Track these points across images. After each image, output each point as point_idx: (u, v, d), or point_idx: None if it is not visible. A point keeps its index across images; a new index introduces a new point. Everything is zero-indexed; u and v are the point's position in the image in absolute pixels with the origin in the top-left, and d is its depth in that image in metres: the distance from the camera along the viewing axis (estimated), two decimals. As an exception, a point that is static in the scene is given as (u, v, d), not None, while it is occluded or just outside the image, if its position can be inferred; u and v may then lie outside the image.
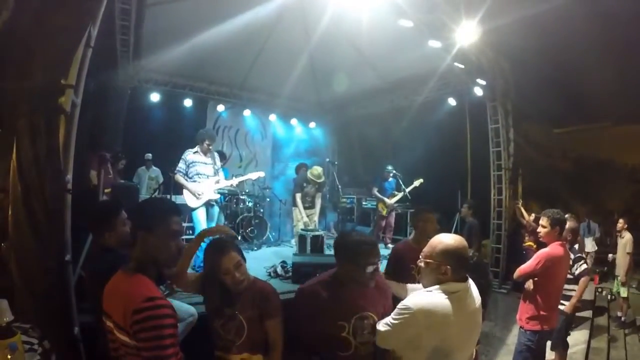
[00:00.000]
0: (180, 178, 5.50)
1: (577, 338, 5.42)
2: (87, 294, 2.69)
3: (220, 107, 10.33)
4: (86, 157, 5.33)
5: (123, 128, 8.29)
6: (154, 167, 8.43)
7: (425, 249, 2.08)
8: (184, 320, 3.46)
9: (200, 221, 5.56)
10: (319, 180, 7.09)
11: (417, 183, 8.37)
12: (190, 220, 5.84)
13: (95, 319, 2.34)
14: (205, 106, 10.11)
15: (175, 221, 1.72)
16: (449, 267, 1.98)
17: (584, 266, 4.33)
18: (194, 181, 5.51)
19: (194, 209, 5.52)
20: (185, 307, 3.58)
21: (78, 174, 4.31)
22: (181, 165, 5.55)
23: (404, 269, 3.75)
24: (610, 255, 7.32)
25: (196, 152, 5.63)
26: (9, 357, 1.66)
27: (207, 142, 5.68)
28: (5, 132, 2.55)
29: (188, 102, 9.53)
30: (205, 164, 5.65)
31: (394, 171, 8.53)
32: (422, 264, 2.08)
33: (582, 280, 4.25)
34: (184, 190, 5.53)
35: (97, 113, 5.17)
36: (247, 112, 10.79)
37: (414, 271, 3.71)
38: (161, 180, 8.24)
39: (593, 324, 6.01)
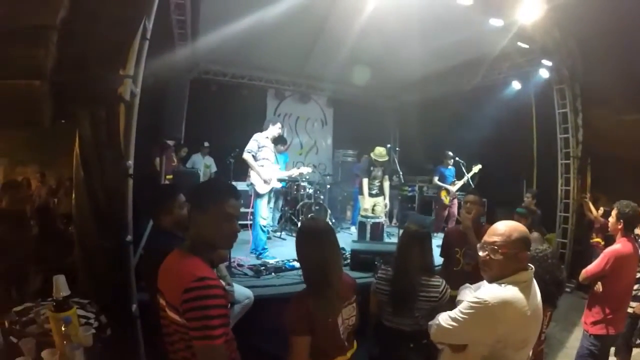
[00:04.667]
0: (250, 158, 5.52)
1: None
2: (142, 272, 2.83)
3: (280, 95, 10.46)
4: (150, 145, 5.60)
5: (184, 118, 8.67)
6: (209, 156, 8.72)
7: (497, 239, 1.90)
8: (240, 303, 3.58)
9: (263, 207, 5.66)
10: (382, 160, 6.95)
11: (475, 169, 8.04)
12: (248, 206, 5.95)
13: (149, 296, 2.45)
14: (264, 95, 10.30)
15: (232, 204, 1.68)
16: (525, 253, 1.89)
17: None
18: (261, 165, 5.56)
19: (261, 196, 5.61)
20: (243, 290, 3.69)
21: (142, 161, 4.58)
22: (252, 146, 5.55)
23: (450, 252, 3.76)
24: None
25: (267, 137, 5.69)
26: (63, 328, 1.79)
27: (279, 127, 5.77)
28: (69, 123, 2.74)
29: (246, 92, 9.72)
30: (271, 150, 5.73)
31: (455, 157, 8.22)
32: (494, 255, 1.90)
33: None
34: (252, 173, 5.57)
35: (160, 103, 5.40)
36: (306, 100, 10.88)
37: (458, 254, 3.67)
38: (214, 169, 8.60)
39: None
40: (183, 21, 5.93)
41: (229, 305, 3.46)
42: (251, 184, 5.67)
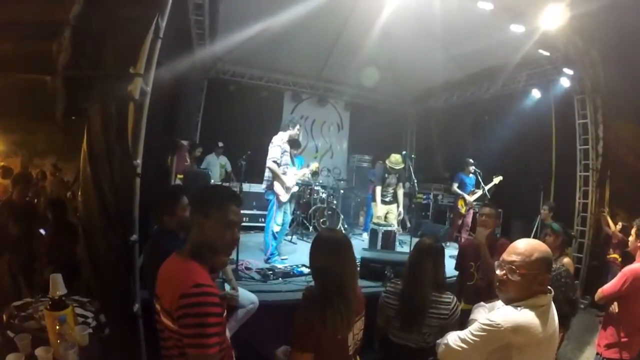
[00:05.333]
0: (276, 168, 5.36)
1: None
2: (144, 273, 2.82)
3: (297, 98, 10.47)
4: (164, 144, 5.62)
5: (200, 117, 8.72)
6: (223, 156, 8.70)
7: (515, 258, 1.80)
8: (244, 308, 3.55)
9: (280, 214, 5.58)
10: (398, 167, 6.89)
11: (496, 180, 7.87)
12: (264, 209, 5.83)
13: (150, 296, 2.42)
14: (282, 97, 10.33)
15: (233, 210, 1.66)
16: (547, 276, 1.80)
17: None
18: (283, 172, 5.45)
19: (284, 203, 5.54)
20: (247, 294, 3.66)
21: (155, 159, 4.59)
22: (276, 153, 5.40)
23: (465, 266, 3.69)
24: None
25: (285, 140, 5.56)
26: (57, 327, 1.77)
27: (298, 128, 5.66)
28: (79, 119, 2.74)
29: (264, 93, 9.76)
30: (289, 153, 5.65)
31: (475, 167, 8.09)
32: (512, 276, 1.80)
33: None
34: (275, 183, 5.44)
35: (175, 103, 5.42)
36: (323, 103, 10.86)
37: (472, 269, 3.58)
38: (229, 168, 8.56)
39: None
40: (201, 21, 5.96)
41: (234, 309, 3.46)
42: (274, 192, 5.51)
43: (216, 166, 8.50)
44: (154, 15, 2.89)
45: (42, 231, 4.10)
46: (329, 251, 2.11)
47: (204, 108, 9.11)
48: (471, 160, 8.11)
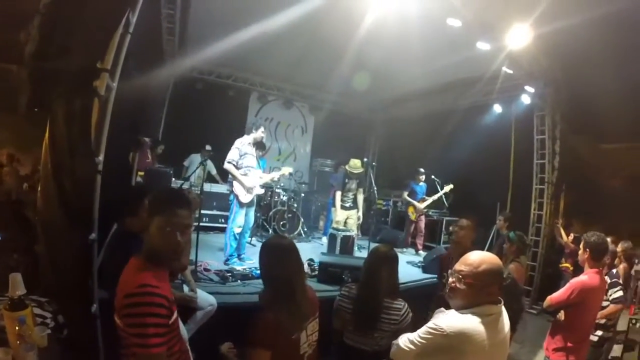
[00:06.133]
0: (232, 169, 5.40)
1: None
2: (104, 273, 2.75)
3: (263, 99, 10.44)
4: (126, 141, 5.48)
5: (165, 114, 8.52)
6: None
7: (464, 268, 1.90)
8: (203, 309, 3.53)
9: (241, 215, 5.56)
10: (357, 172, 6.99)
11: (447, 189, 8.19)
12: (224, 209, 5.75)
13: (109, 297, 2.37)
14: (248, 97, 10.27)
15: (180, 214, 1.68)
16: (495, 288, 1.89)
17: (620, 293, 4.06)
18: (244, 174, 5.45)
19: (243, 205, 5.51)
20: (205, 296, 3.66)
21: (116, 156, 4.46)
22: (234, 155, 5.43)
23: (440, 277, 3.82)
24: None
25: (249, 142, 5.58)
26: (17, 329, 1.71)
27: (262, 130, 5.66)
28: (42, 111, 2.64)
29: (231, 92, 9.67)
30: (253, 155, 5.64)
31: (432, 175, 8.34)
32: (460, 285, 1.90)
33: (612, 306, 4.01)
34: (235, 183, 5.46)
35: (140, 99, 5.29)
36: (289, 106, 10.89)
37: (444, 279, 3.71)
38: (213, 171, 8.41)
39: (624, 355, 5.58)
40: (172, 15, 5.84)
41: (192, 311, 3.43)
42: (233, 193, 5.54)
43: (196, 164, 8.29)
44: (125, 10, 2.83)
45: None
46: (277, 257, 2.22)
47: (168, 105, 8.92)
48: (421, 170, 8.39)
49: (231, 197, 5.64)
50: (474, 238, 3.77)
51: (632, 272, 5.47)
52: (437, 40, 6.29)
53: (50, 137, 2.61)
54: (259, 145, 5.88)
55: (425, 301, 3.72)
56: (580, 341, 3.41)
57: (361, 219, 7.28)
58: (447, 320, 1.87)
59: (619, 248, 4.95)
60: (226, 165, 5.44)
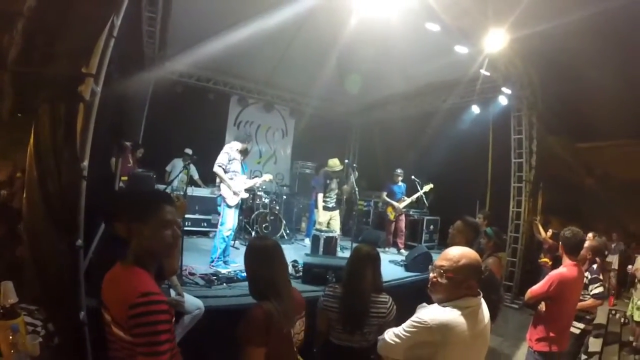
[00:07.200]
0: (221, 172, 5.52)
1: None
2: (92, 280, 2.73)
3: (243, 102, 10.40)
4: (108, 145, 5.41)
5: (145, 117, 8.40)
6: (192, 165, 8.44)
7: (445, 263, 1.98)
8: (190, 313, 3.51)
9: (230, 218, 5.64)
10: (337, 169, 7.14)
11: (426, 188, 8.31)
12: (207, 213, 5.75)
13: (99, 305, 2.35)
14: (228, 100, 10.20)
15: (168, 210, 1.71)
16: (474, 281, 1.95)
17: (600, 289, 4.21)
18: (230, 178, 5.57)
19: (231, 207, 5.60)
20: (192, 300, 3.63)
21: (98, 161, 4.40)
22: (223, 159, 5.56)
23: None
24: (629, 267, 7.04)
25: (238, 149, 5.71)
26: (10, 337, 1.69)
27: (250, 142, 5.85)
28: (26, 116, 2.60)
29: (211, 95, 9.58)
30: (239, 161, 5.75)
31: (412, 176, 8.45)
32: (441, 279, 1.97)
33: (591, 300, 4.16)
34: (222, 186, 5.59)
35: (120, 102, 5.22)
36: (269, 109, 10.86)
37: None
38: (196, 176, 8.45)
39: (603, 349, 5.81)
40: (153, 18, 5.80)
41: (180, 315, 3.41)
42: (221, 196, 5.67)
43: (179, 169, 8.19)
44: (110, 14, 2.81)
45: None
46: (262, 258, 2.26)
47: (148, 108, 8.79)
48: (398, 170, 8.50)
49: (218, 200, 5.68)
50: (469, 239, 3.79)
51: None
52: (416, 45, 6.41)
53: (35, 142, 2.57)
54: (244, 152, 5.96)
55: (409, 298, 3.76)
56: (561, 331, 3.54)
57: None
58: (430, 313, 1.95)
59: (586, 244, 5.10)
60: (216, 169, 5.54)
